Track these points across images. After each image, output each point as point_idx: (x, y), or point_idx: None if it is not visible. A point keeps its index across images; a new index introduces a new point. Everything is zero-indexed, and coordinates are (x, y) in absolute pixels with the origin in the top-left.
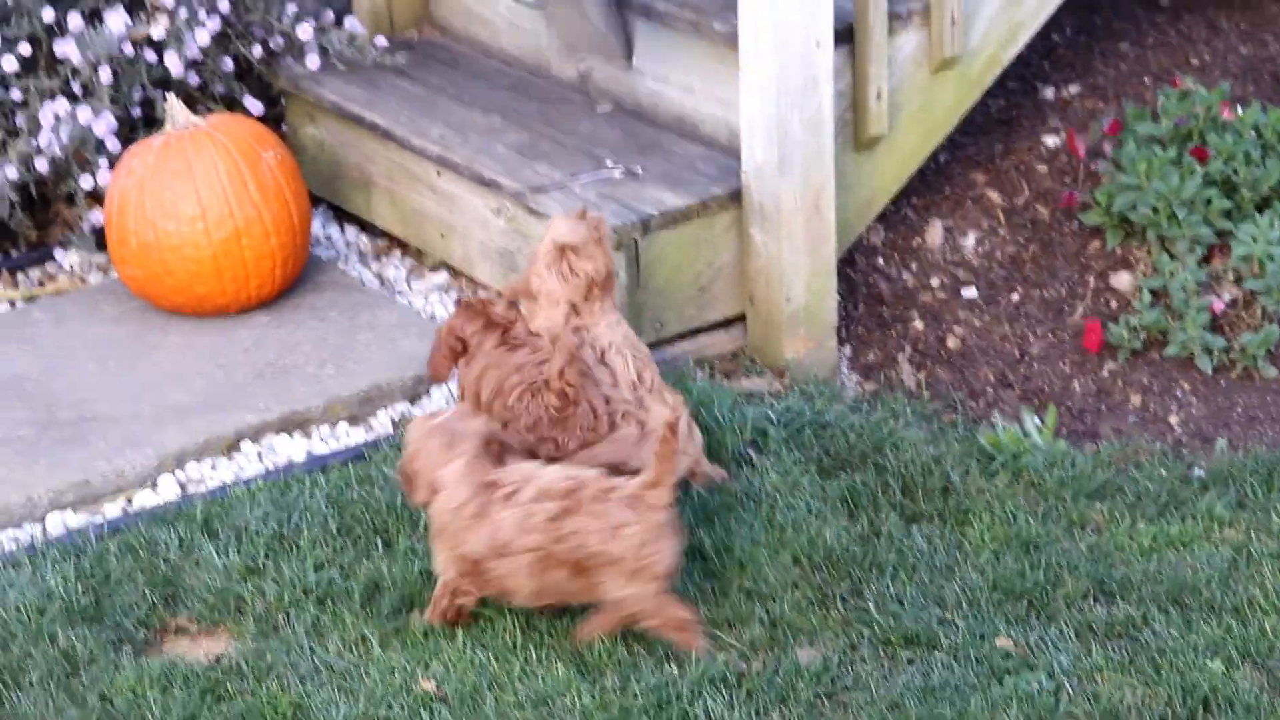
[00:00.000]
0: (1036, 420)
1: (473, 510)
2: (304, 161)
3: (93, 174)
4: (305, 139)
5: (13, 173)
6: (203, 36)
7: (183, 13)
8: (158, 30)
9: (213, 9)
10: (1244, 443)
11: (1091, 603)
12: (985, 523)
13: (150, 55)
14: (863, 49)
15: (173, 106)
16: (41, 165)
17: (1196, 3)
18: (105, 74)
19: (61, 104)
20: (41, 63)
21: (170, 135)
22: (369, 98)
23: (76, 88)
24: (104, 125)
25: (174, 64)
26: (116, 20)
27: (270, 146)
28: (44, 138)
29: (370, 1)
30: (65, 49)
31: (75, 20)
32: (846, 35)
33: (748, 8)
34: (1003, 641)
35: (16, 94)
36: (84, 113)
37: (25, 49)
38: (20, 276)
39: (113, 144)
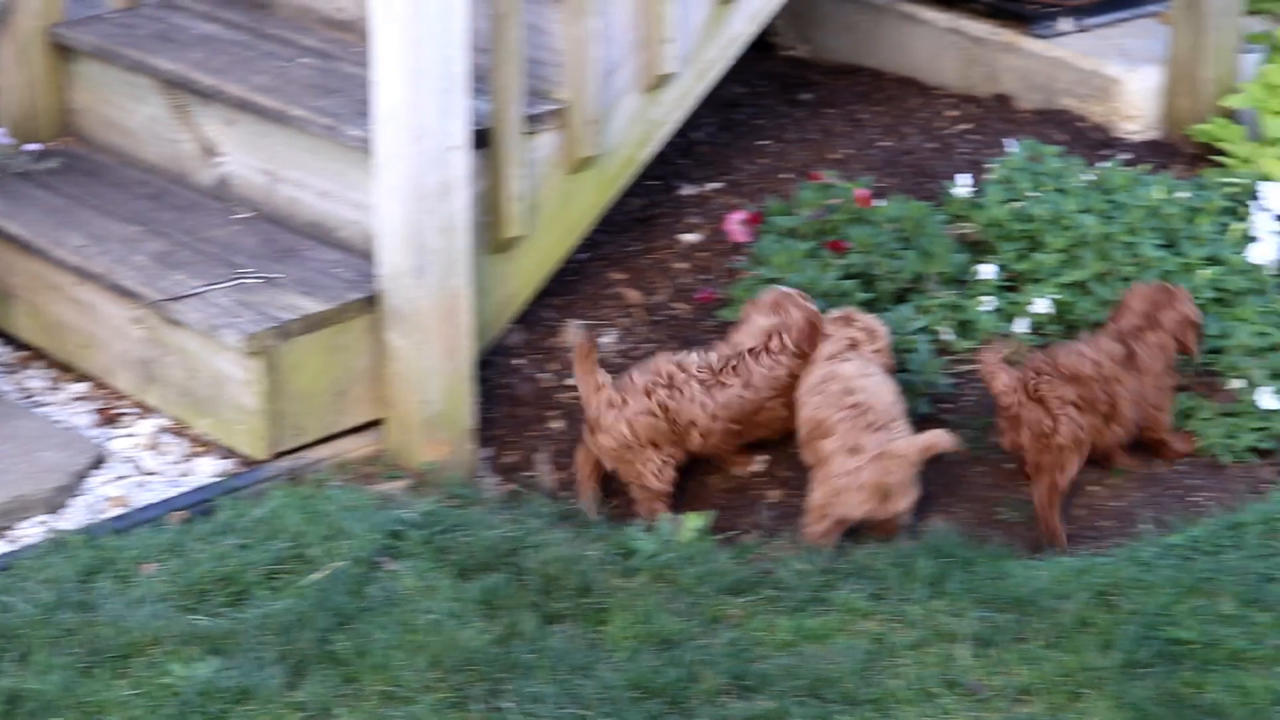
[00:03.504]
0: (693, 521)
1: None
2: None
3: None
4: None
5: None
6: None
7: None
8: None
9: None
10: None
11: (731, 698)
12: (624, 620)
13: None
14: (499, 152)
15: None
16: None
17: (837, 99)
18: None
19: None
20: None
21: None
22: (8, 208)
23: None
24: None
25: None
26: None
27: None
28: None
29: (13, 113)
30: None
31: None
32: (484, 138)
33: (383, 112)
34: None
35: None
36: None
37: None
38: None
39: None
